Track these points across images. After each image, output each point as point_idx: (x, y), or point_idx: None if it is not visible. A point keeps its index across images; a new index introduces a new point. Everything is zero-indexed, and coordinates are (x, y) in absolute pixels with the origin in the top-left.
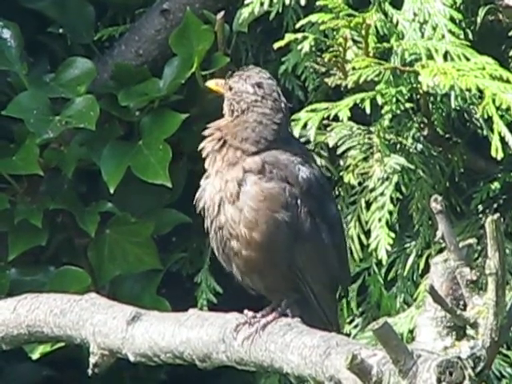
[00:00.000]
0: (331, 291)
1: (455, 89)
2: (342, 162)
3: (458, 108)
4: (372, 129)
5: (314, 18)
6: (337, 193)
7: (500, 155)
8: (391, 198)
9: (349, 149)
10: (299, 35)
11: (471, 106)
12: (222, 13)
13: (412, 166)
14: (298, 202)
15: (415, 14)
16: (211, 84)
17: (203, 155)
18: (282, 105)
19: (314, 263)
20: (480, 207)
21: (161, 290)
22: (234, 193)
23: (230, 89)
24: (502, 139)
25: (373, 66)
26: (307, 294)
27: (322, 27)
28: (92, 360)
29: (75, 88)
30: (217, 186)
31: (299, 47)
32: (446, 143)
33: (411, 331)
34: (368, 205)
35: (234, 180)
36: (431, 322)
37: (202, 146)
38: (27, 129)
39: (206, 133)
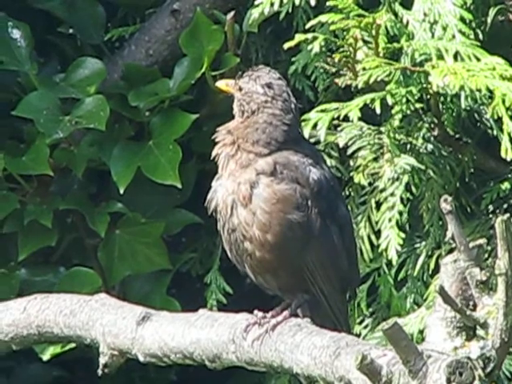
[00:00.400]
0: (341, 292)
1: (465, 89)
2: (352, 163)
3: (468, 108)
4: (382, 129)
5: (324, 18)
6: (347, 193)
7: (510, 155)
8: (401, 199)
9: (359, 149)
10: (309, 35)
11: (481, 107)
12: (232, 13)
13: (422, 167)
14: (309, 202)
15: (425, 14)
16: (221, 84)
17: (217, 161)
18: (292, 105)
19: (324, 264)
20: (490, 207)
21: (171, 290)
22: (246, 195)
23: (240, 89)
24: None
25: (383, 66)
26: (317, 294)
27: (332, 27)
28: (102, 360)
29: (85, 88)
30: (229, 188)
31: (309, 47)
32: (456, 143)
33: (421, 331)
34: (378, 205)
35: (247, 182)
36: (441, 323)
37: (215, 152)
38: (37, 129)
39: (217, 138)
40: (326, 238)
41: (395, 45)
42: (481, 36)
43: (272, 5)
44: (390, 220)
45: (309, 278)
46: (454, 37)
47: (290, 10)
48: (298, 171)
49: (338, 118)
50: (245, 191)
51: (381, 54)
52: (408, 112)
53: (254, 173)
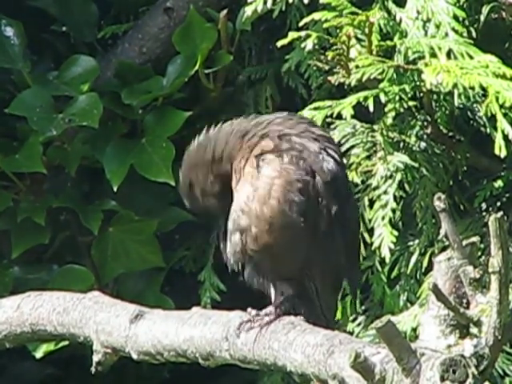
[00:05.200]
0: (333, 289)
1: (458, 87)
2: (345, 160)
3: (461, 106)
4: (375, 127)
5: (317, 16)
6: None
7: (503, 153)
8: (394, 196)
9: (352, 147)
10: (302, 33)
11: (474, 104)
12: (226, 11)
13: (415, 164)
14: (319, 194)
15: (418, 12)
16: None
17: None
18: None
19: (322, 257)
20: (483, 205)
21: (164, 288)
22: (253, 174)
23: None
24: (506, 137)
25: (376, 64)
26: (310, 289)
27: (325, 25)
28: (95, 358)
29: (78, 86)
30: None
31: (302, 45)
32: (449, 141)
33: (414, 329)
34: (371, 203)
35: (253, 163)
36: (434, 321)
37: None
38: (30, 126)
39: None
40: (328, 232)
41: (388, 43)
42: (474, 34)
43: (265, 3)
44: (383, 218)
45: (305, 269)
46: (447, 35)
47: (284, 8)
48: (311, 160)
49: (331, 115)
50: (252, 171)
51: (374, 52)
52: (401, 110)
53: (258, 156)
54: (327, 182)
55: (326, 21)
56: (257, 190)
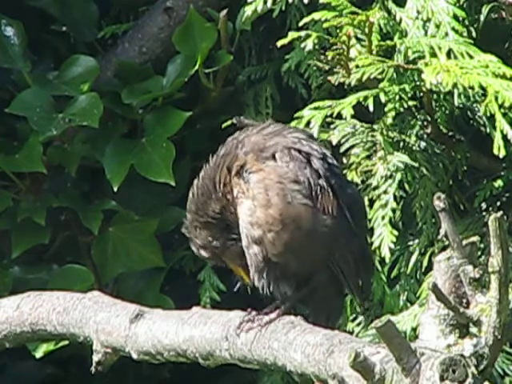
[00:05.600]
0: (357, 274)
1: (458, 86)
2: (345, 160)
3: (461, 106)
4: (375, 127)
5: (317, 15)
6: None
7: (502, 153)
8: (394, 196)
9: (352, 147)
10: (302, 33)
11: (474, 104)
12: (226, 11)
13: (415, 164)
14: (315, 172)
15: (418, 12)
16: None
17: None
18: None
19: (343, 240)
20: (483, 205)
21: (164, 287)
22: (244, 189)
23: None
24: (505, 137)
25: (376, 63)
26: (336, 272)
27: (325, 25)
28: (95, 358)
29: (78, 86)
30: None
31: (302, 45)
32: (449, 141)
33: (414, 329)
34: (371, 203)
35: (238, 182)
36: (434, 320)
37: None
38: (30, 126)
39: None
40: (341, 211)
41: (388, 42)
42: (474, 33)
43: (265, 2)
44: (383, 218)
45: (330, 256)
46: (447, 34)
47: (284, 8)
48: (293, 153)
49: (331, 115)
50: (241, 188)
51: (374, 52)
52: (401, 110)
53: (239, 172)
54: (317, 158)
55: (326, 21)
56: (255, 199)
